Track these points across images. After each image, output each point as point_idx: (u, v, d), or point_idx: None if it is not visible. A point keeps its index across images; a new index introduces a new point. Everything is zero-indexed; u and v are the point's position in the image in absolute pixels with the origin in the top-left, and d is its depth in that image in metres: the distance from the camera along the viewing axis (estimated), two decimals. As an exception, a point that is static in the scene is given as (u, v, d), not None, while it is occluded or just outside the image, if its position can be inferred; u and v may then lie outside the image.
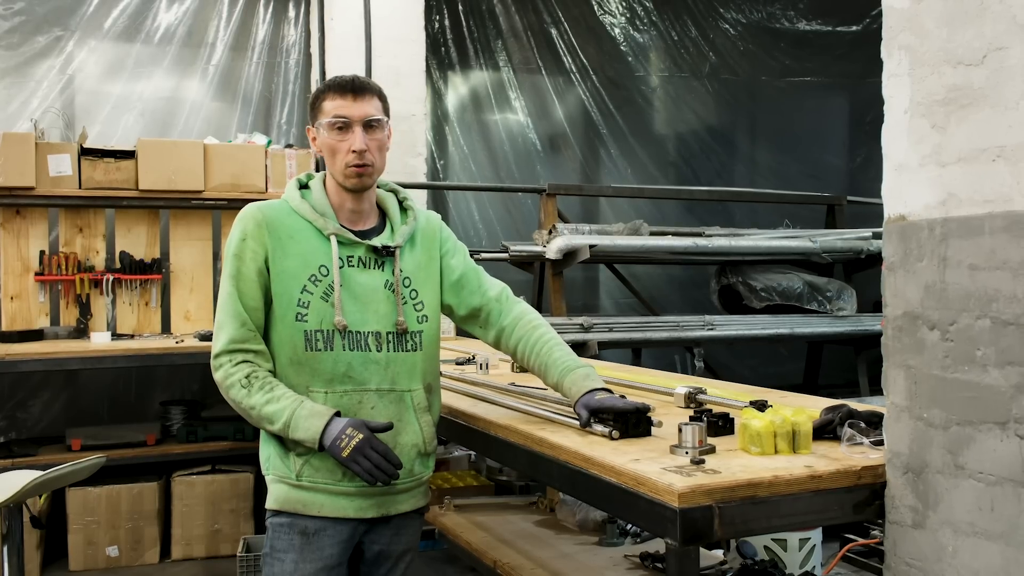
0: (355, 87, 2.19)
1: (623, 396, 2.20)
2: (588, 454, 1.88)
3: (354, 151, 2.15)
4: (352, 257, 2.19)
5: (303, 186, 2.28)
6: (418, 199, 6.02)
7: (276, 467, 2.18)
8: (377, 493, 2.19)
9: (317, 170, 5.33)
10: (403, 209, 2.33)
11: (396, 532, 2.28)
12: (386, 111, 2.24)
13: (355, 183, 2.19)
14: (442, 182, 6.43)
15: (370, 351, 2.17)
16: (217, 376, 2.13)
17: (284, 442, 2.16)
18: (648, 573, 3.17)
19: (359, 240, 2.20)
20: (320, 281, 2.15)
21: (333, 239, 2.18)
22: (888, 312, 1.77)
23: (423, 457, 2.29)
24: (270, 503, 2.20)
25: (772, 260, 6.08)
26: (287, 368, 2.15)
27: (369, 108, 2.19)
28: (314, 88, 5.88)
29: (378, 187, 2.31)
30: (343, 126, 2.17)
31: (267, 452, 2.21)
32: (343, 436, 2.05)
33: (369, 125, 2.18)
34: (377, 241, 2.23)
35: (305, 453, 2.13)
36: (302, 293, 2.13)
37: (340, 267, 2.16)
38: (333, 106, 2.18)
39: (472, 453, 4.94)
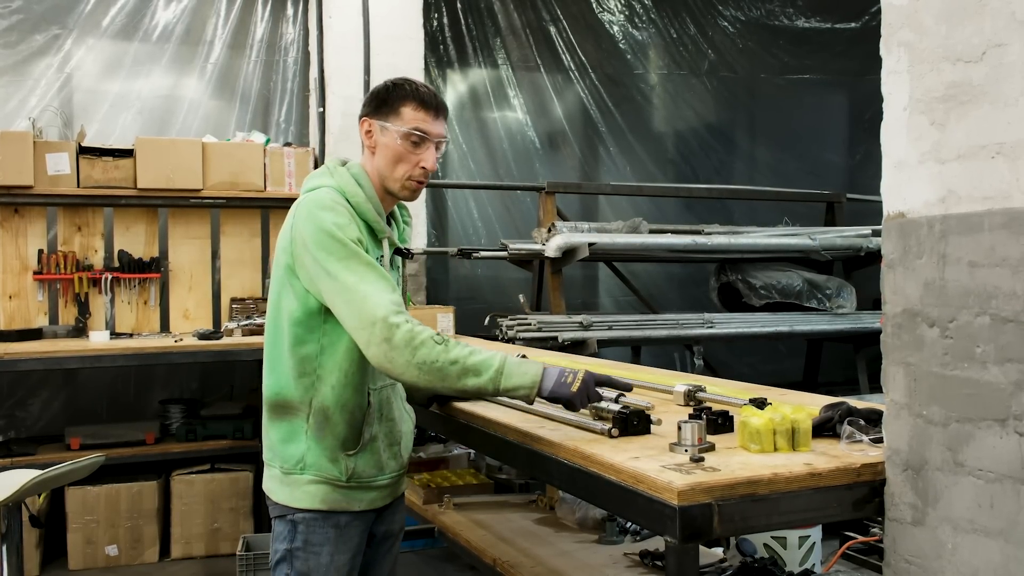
0: (438, 105, 2.25)
1: None
2: (587, 452, 1.88)
3: (424, 167, 2.22)
4: (383, 257, 2.25)
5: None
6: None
7: (322, 469, 2.17)
8: (396, 480, 2.32)
9: (315, 166, 5.34)
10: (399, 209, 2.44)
11: (394, 513, 2.41)
12: None
13: (411, 197, 2.28)
14: (441, 180, 6.42)
15: None
16: (399, 336, 1.98)
17: (337, 444, 2.16)
18: (647, 571, 3.16)
19: (395, 242, 2.31)
20: None
21: (386, 243, 2.25)
22: (887, 309, 1.77)
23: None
24: (307, 503, 2.17)
25: (771, 258, 6.08)
26: (358, 363, 2.16)
27: (443, 128, 2.26)
28: (313, 85, 5.89)
29: None
30: (420, 140, 2.21)
31: (300, 451, 2.17)
32: (566, 373, 2.04)
33: (438, 145, 2.25)
34: (401, 244, 2.34)
35: (355, 455, 2.18)
36: None
37: (388, 269, 2.23)
38: (415, 117, 2.20)
39: (471, 451, 4.94)
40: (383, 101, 2.23)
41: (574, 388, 2.02)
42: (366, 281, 2.05)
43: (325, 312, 2.13)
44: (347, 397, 2.17)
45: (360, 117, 2.28)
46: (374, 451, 2.23)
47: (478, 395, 2.10)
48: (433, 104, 2.23)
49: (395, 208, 2.39)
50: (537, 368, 2.04)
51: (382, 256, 2.22)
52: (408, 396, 2.47)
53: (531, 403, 2.09)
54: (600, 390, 2.14)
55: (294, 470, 2.18)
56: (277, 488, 2.22)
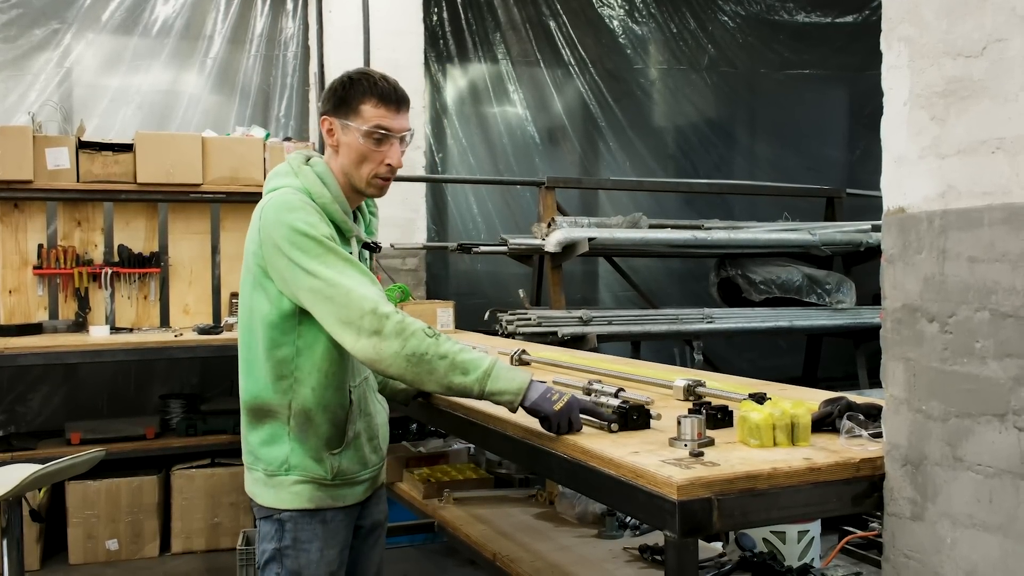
0: (399, 99, 2.18)
1: None
2: (587, 447, 1.88)
3: (389, 164, 2.18)
4: (352, 254, 2.22)
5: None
6: (416, 192, 6.04)
7: (307, 469, 2.15)
8: (377, 472, 2.34)
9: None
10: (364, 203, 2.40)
11: (377, 504, 2.42)
12: None
13: (376, 193, 2.23)
14: (440, 175, 6.42)
15: None
16: (389, 326, 1.96)
17: (321, 444, 2.15)
18: (647, 565, 3.17)
19: (364, 238, 2.28)
20: None
21: (354, 241, 2.22)
22: (887, 304, 1.77)
23: None
24: (295, 503, 2.16)
25: (771, 253, 6.08)
26: (338, 363, 2.15)
27: (406, 122, 2.20)
28: (313, 80, 5.88)
29: None
30: (382, 138, 2.15)
31: (283, 454, 2.16)
32: (553, 391, 2.00)
33: (402, 139, 2.19)
34: (368, 238, 2.31)
35: (340, 451, 2.17)
36: None
37: None
38: (376, 115, 2.14)
39: (471, 446, 4.94)
40: (342, 99, 2.17)
41: (557, 407, 1.97)
42: (347, 276, 2.02)
43: (300, 314, 2.10)
44: (328, 397, 2.15)
45: (320, 115, 2.23)
46: (357, 448, 2.22)
47: (462, 394, 2.04)
48: (394, 99, 2.16)
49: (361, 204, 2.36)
50: (526, 377, 2.00)
51: (351, 254, 2.19)
52: (390, 396, 2.48)
53: (514, 411, 2.03)
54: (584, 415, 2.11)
55: (279, 472, 2.16)
56: (261, 491, 2.19)
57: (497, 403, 2.03)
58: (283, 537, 2.17)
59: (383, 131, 2.15)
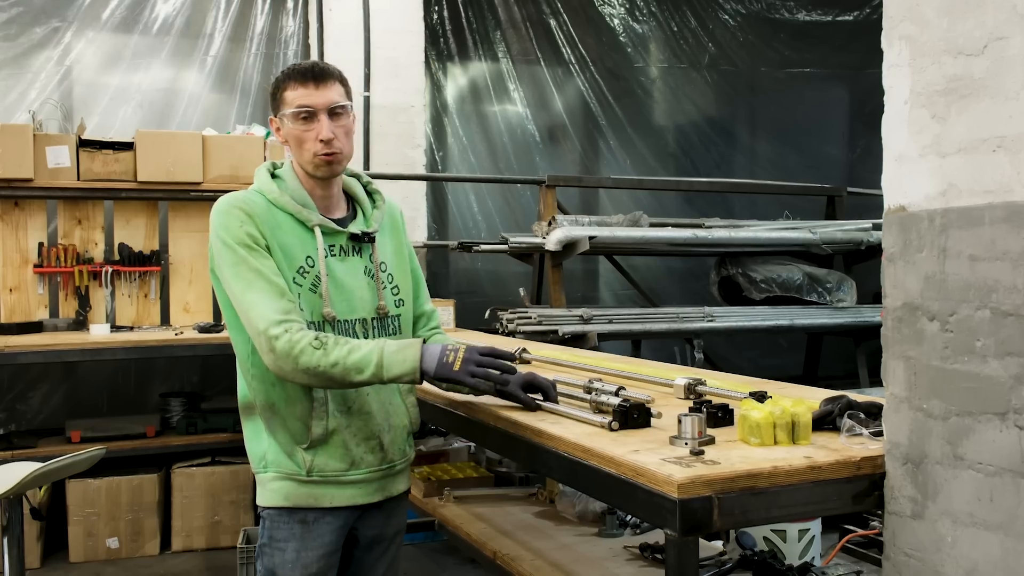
0: (316, 74, 2.17)
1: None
2: (587, 445, 1.88)
3: (322, 140, 2.15)
4: (333, 246, 2.20)
5: (274, 176, 2.24)
6: (417, 191, 6.04)
7: (281, 464, 2.16)
8: (379, 477, 2.25)
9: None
10: (368, 193, 2.37)
11: (388, 516, 2.33)
12: (348, 95, 2.23)
13: (325, 171, 2.20)
14: (441, 174, 6.42)
15: (358, 339, 2.18)
16: (279, 346, 2.00)
17: (289, 439, 2.15)
18: (647, 564, 3.17)
19: (339, 229, 2.22)
20: (307, 273, 2.15)
21: (318, 230, 2.18)
22: (888, 303, 1.77)
23: (410, 437, 2.37)
24: (273, 500, 2.17)
25: (772, 251, 6.08)
26: None
27: (332, 95, 2.17)
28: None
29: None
30: (308, 116, 2.15)
31: (262, 449, 2.18)
32: (447, 353, 2.08)
33: (334, 112, 2.17)
34: (355, 228, 2.25)
35: (312, 449, 2.14)
36: (292, 285, 2.12)
37: (324, 257, 2.17)
38: (296, 95, 2.15)
39: (472, 444, 4.95)
40: (273, 96, 2.22)
41: (456, 367, 2.07)
42: (253, 289, 2.05)
43: None
44: (288, 391, 2.14)
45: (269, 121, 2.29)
46: (338, 445, 2.17)
47: (370, 384, 2.12)
48: (311, 75, 2.16)
49: (361, 192, 2.34)
50: (415, 353, 2.05)
51: (316, 242, 2.16)
52: None
53: (420, 383, 2.14)
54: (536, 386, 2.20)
55: (259, 468, 2.19)
56: (257, 489, 2.24)
57: (404, 383, 2.14)
58: (263, 534, 2.21)
59: (305, 108, 2.14)
